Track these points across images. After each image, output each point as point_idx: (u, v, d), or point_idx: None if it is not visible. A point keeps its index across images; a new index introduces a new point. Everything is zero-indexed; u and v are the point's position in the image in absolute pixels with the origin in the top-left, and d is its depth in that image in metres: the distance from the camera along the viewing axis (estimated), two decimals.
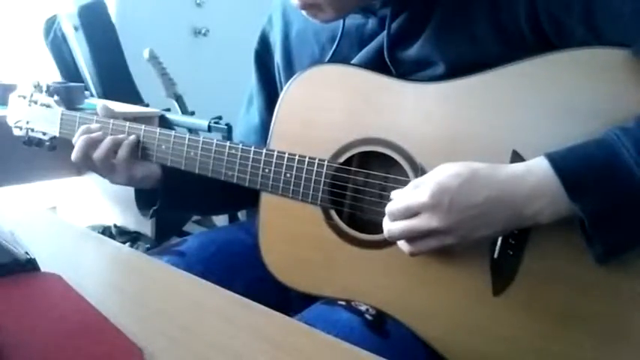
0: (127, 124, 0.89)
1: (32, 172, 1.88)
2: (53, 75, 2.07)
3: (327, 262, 0.77)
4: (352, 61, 0.80)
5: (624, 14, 0.61)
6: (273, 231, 0.82)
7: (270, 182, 0.79)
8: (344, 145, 0.75)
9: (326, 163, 0.75)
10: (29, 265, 0.56)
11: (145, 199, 0.94)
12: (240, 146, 0.81)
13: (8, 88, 1.25)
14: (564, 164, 0.58)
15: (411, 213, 0.63)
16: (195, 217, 2.04)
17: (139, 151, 0.88)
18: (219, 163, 0.83)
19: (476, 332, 0.67)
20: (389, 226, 0.65)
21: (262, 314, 0.54)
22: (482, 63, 0.68)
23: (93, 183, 2.02)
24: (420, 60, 0.74)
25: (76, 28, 1.95)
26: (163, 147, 0.87)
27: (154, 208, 0.90)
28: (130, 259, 0.69)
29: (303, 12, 0.74)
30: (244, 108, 1.01)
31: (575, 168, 0.58)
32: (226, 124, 1.75)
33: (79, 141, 0.87)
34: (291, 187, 0.78)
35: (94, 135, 0.87)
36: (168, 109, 2.00)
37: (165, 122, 1.87)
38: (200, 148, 0.84)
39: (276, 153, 0.78)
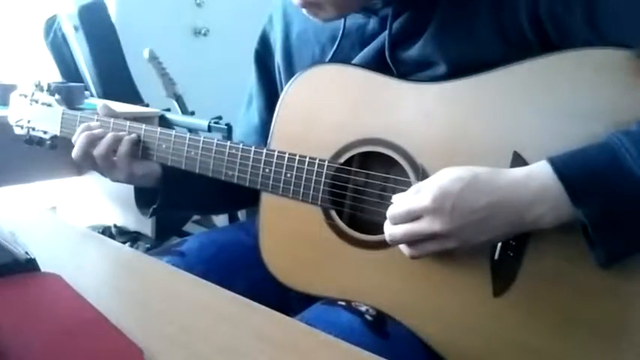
0: (128, 123, 0.89)
1: (32, 172, 1.88)
2: (53, 75, 2.07)
3: (327, 263, 0.77)
4: (353, 61, 0.80)
5: (626, 14, 0.61)
6: (274, 231, 0.82)
7: (271, 182, 0.79)
8: (344, 145, 0.75)
9: (326, 163, 0.75)
10: (29, 265, 0.56)
11: (144, 199, 0.94)
12: (241, 146, 0.81)
13: (8, 88, 1.26)
14: (567, 169, 0.58)
15: (412, 217, 0.63)
16: (195, 217, 2.04)
17: (140, 150, 0.88)
18: (219, 163, 0.82)
19: (476, 333, 0.67)
20: (390, 230, 0.65)
21: (262, 314, 0.54)
22: (483, 63, 0.68)
23: (93, 183, 2.02)
24: (421, 60, 0.74)
25: (76, 28, 1.95)
26: (164, 146, 0.87)
27: (154, 207, 0.90)
28: (130, 259, 0.69)
29: (304, 10, 0.74)
30: (244, 108, 1.01)
31: (578, 173, 0.58)
32: (226, 124, 1.75)
33: (79, 138, 0.87)
34: (292, 187, 0.78)
35: (95, 132, 0.87)
36: (168, 109, 2.00)
37: (165, 122, 1.87)
38: (201, 148, 0.83)
39: (276, 153, 0.78)
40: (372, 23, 0.79)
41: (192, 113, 2.05)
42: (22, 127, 1.01)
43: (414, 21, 0.74)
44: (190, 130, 1.83)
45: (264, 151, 0.79)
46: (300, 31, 0.88)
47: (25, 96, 1.01)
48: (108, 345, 0.46)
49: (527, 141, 0.64)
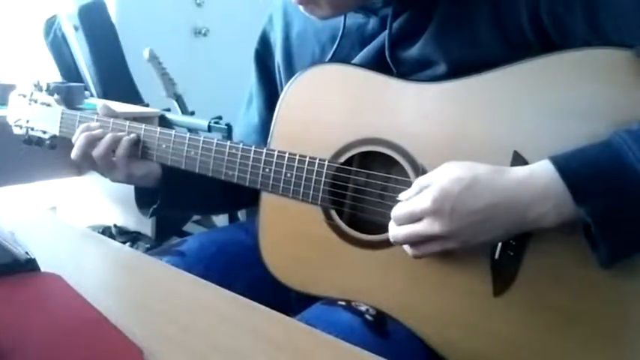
0: (127, 123, 0.89)
1: (32, 172, 1.88)
2: (53, 75, 2.07)
3: (327, 263, 0.77)
4: (353, 61, 0.80)
5: (626, 13, 0.61)
6: (274, 231, 0.81)
7: (271, 182, 0.79)
8: (344, 145, 0.75)
9: (326, 163, 0.75)
10: (29, 265, 0.56)
11: (145, 199, 0.94)
12: (241, 146, 0.81)
13: (8, 88, 1.25)
14: (569, 167, 0.58)
15: (414, 218, 0.63)
16: (195, 217, 2.04)
17: (140, 150, 0.88)
18: (219, 163, 0.82)
19: (476, 333, 0.67)
20: (394, 231, 0.65)
21: (262, 314, 0.54)
22: (483, 63, 0.68)
23: (93, 183, 2.02)
24: (421, 60, 0.74)
25: (76, 28, 1.95)
26: (164, 146, 0.86)
27: (154, 207, 0.90)
28: (130, 259, 0.69)
29: (301, 7, 0.74)
30: (244, 108, 1.01)
31: (581, 171, 0.57)
32: (226, 124, 1.75)
33: (79, 138, 0.87)
34: (292, 187, 0.78)
35: (94, 132, 0.87)
36: (168, 109, 2.00)
37: (165, 122, 1.87)
38: (200, 148, 0.83)
39: (276, 153, 0.78)
40: (372, 23, 0.79)
41: (192, 113, 2.05)
42: (20, 127, 1.01)
43: (414, 21, 0.74)
44: (190, 130, 1.83)
45: (264, 150, 0.79)
46: (300, 31, 0.88)
47: (24, 96, 1.01)
48: (108, 345, 0.46)
49: (527, 140, 0.64)
